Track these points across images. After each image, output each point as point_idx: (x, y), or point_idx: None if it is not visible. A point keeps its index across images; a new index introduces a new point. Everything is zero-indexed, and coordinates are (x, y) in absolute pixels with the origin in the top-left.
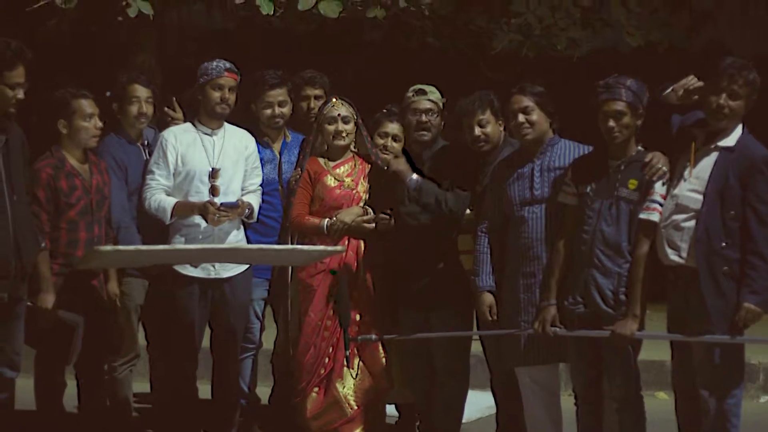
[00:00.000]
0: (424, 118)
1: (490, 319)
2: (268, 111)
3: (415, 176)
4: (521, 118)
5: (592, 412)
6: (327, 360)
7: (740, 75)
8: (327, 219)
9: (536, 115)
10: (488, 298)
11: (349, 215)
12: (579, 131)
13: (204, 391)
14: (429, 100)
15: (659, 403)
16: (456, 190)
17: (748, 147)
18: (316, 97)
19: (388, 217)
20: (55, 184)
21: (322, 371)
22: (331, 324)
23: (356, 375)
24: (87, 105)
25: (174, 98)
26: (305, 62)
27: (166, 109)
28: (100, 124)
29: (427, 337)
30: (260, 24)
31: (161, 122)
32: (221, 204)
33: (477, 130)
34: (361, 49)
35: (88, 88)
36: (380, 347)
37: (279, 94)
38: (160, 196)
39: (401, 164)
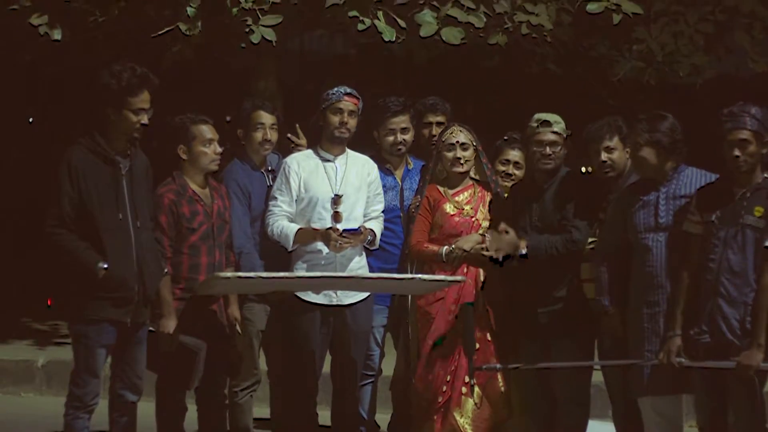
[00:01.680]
0: (548, 150)
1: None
2: (391, 138)
3: (524, 250)
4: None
5: None
6: (445, 389)
7: None
8: (446, 246)
9: (645, 152)
10: (617, 316)
11: (468, 243)
12: (702, 157)
13: (324, 417)
14: (553, 132)
15: None
16: (577, 219)
17: None
18: (438, 124)
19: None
20: (177, 210)
21: (440, 400)
22: (449, 352)
23: (476, 404)
24: (206, 131)
25: (297, 125)
26: (426, 89)
27: (289, 135)
28: (219, 149)
29: (549, 367)
30: (382, 51)
31: (284, 148)
32: (343, 230)
33: (603, 156)
34: (481, 76)
35: (210, 114)
36: (499, 376)
37: (401, 121)
38: (282, 223)
39: (507, 246)
